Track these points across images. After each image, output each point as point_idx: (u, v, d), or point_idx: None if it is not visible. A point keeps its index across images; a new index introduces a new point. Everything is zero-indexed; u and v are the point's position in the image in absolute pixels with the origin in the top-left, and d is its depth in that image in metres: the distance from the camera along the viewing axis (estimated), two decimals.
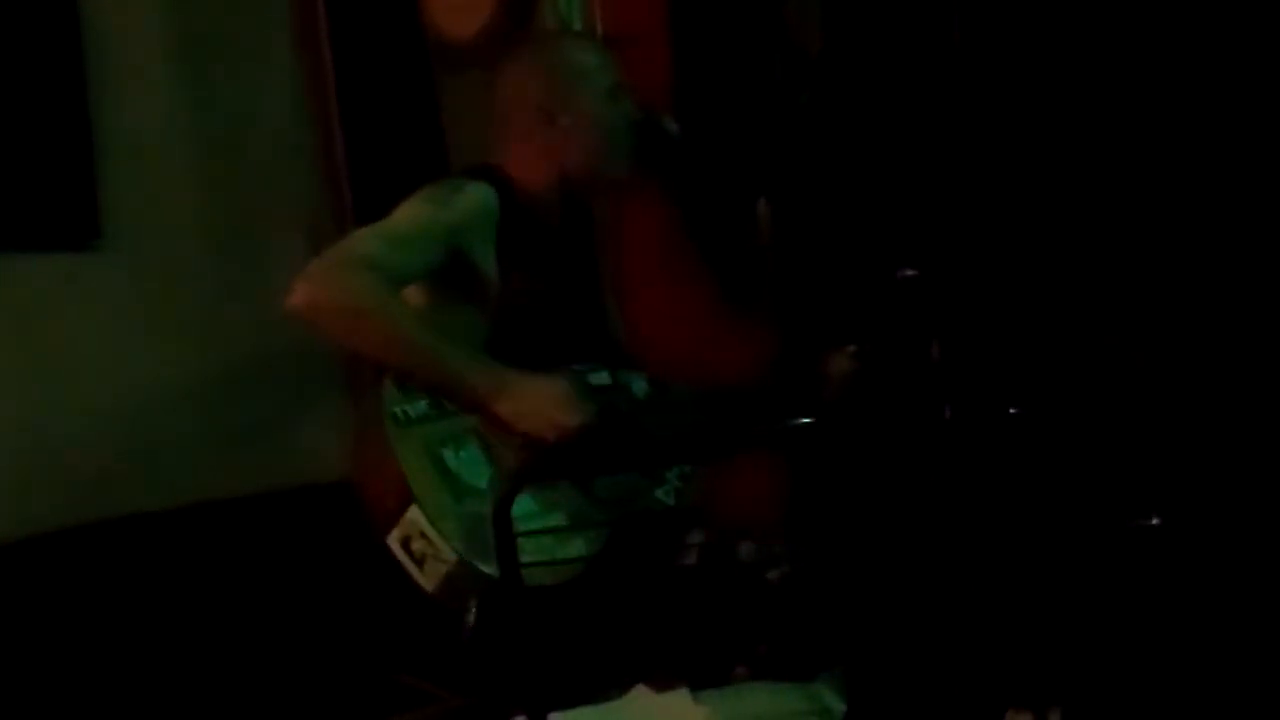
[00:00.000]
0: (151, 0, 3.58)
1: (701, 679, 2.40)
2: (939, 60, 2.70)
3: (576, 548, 2.38)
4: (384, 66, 3.74)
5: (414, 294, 2.53)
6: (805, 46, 3.08)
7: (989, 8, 2.68)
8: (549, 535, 2.33)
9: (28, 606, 3.14)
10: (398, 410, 2.38)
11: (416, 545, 2.32)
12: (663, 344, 2.99)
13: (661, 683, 2.38)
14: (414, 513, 2.31)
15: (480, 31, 3.53)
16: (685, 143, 2.75)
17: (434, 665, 2.53)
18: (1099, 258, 2.57)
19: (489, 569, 2.20)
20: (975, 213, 2.64)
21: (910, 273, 2.41)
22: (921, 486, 2.38)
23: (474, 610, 2.33)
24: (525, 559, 2.21)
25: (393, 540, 2.33)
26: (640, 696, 2.36)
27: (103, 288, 3.46)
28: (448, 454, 2.38)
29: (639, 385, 2.67)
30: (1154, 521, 2.34)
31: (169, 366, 3.55)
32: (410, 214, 2.51)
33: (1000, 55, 2.67)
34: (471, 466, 2.39)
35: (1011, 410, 2.34)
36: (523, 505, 2.32)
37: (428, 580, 2.33)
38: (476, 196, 2.56)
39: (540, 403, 2.41)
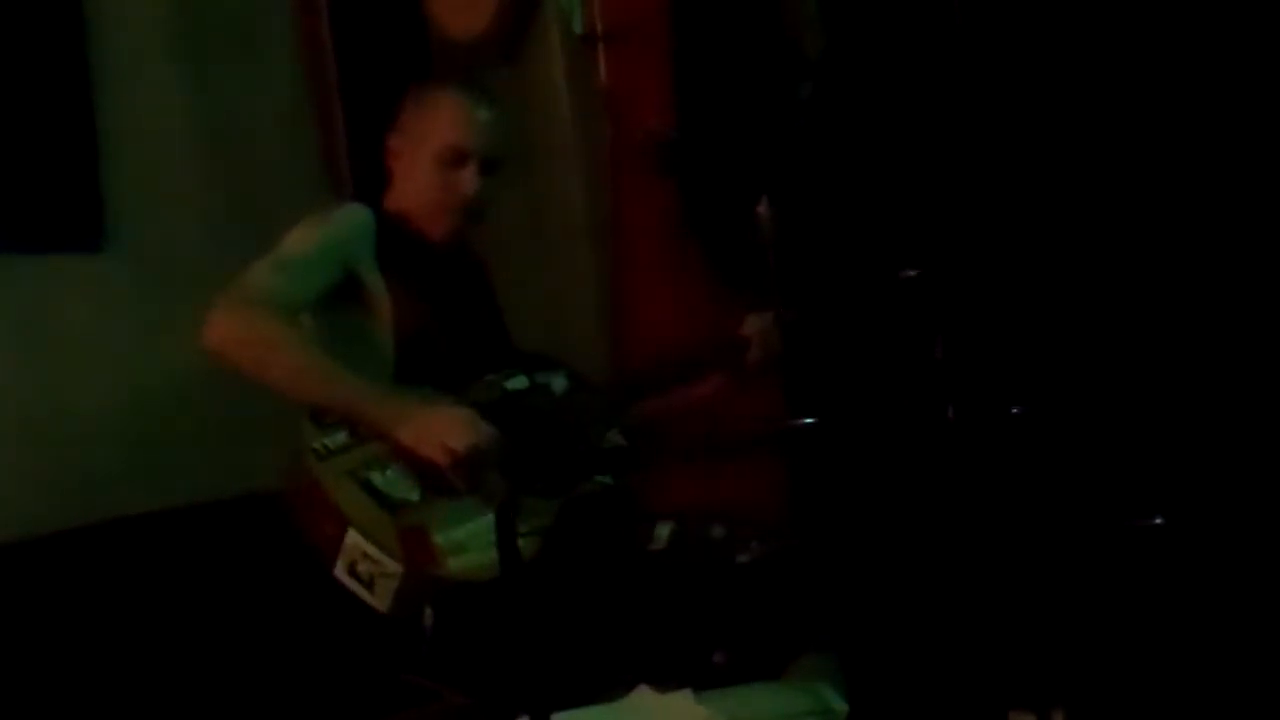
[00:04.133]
0: (154, 1, 3.58)
1: (679, 666, 2.40)
2: (942, 58, 2.70)
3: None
4: (386, 63, 3.74)
5: (318, 320, 2.57)
6: (806, 43, 3.08)
7: (992, 5, 2.68)
8: (489, 531, 2.32)
9: (29, 607, 3.14)
10: (317, 445, 2.44)
11: (362, 567, 2.34)
12: (662, 342, 2.99)
13: (664, 683, 2.38)
14: (353, 535, 2.35)
15: (484, 31, 3.53)
16: (677, 150, 2.76)
17: (437, 665, 2.53)
18: (1103, 257, 2.57)
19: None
20: (978, 212, 2.64)
21: (913, 272, 2.41)
22: (925, 487, 2.38)
23: (430, 615, 2.35)
24: (474, 560, 2.28)
25: (340, 571, 2.36)
26: (643, 697, 2.36)
27: (106, 288, 3.45)
28: (374, 476, 2.42)
29: (559, 383, 2.69)
30: (1157, 521, 2.34)
31: (172, 365, 3.53)
32: (297, 238, 2.58)
33: (1004, 53, 2.66)
34: (400, 484, 2.42)
35: (1015, 410, 2.34)
36: (459, 512, 2.35)
37: (380, 600, 2.35)
38: (351, 215, 2.65)
39: (436, 428, 2.43)
